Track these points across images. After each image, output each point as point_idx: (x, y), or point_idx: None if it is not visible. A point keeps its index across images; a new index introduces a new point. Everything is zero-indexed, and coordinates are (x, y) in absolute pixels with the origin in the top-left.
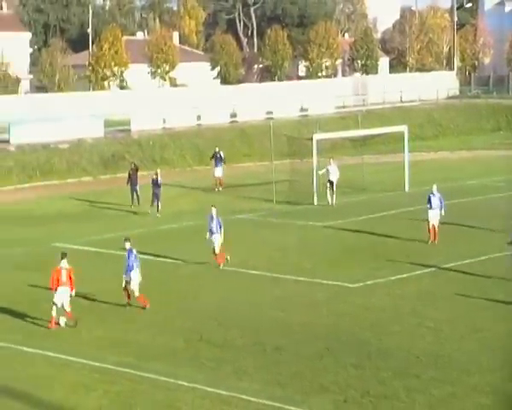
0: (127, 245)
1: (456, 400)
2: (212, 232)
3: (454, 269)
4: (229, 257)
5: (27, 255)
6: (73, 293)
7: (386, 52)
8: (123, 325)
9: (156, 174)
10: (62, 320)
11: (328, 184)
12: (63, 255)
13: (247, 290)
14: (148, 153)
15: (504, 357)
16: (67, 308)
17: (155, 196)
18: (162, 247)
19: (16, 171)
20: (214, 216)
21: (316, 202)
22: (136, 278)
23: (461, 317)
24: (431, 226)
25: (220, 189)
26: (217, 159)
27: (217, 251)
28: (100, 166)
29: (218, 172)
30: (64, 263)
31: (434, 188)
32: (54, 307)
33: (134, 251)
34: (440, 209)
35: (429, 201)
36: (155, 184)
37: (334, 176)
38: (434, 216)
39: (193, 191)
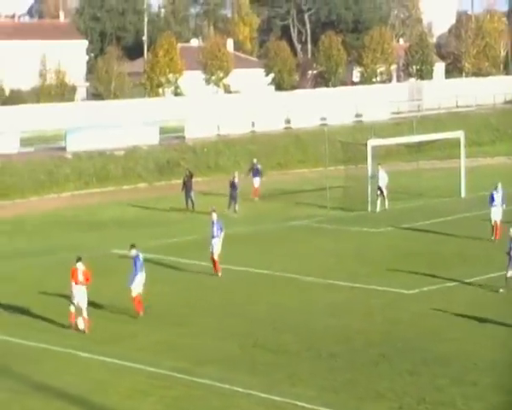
0: (133, 252)
1: None
2: (212, 236)
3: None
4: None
5: (85, 261)
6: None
7: (442, 57)
8: (178, 330)
9: (233, 176)
10: (80, 322)
11: (379, 192)
12: (78, 259)
13: (301, 297)
14: (202, 159)
15: None
16: (85, 313)
17: (232, 198)
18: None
19: (73, 178)
20: (215, 221)
21: (370, 209)
22: (141, 281)
23: None
24: (493, 223)
25: (256, 199)
26: (254, 171)
27: (215, 257)
28: (155, 173)
29: (256, 182)
30: (80, 265)
31: (499, 185)
32: (71, 305)
33: (140, 257)
34: (502, 205)
35: (492, 198)
36: (232, 186)
37: (383, 182)
38: (497, 213)
39: (247, 198)
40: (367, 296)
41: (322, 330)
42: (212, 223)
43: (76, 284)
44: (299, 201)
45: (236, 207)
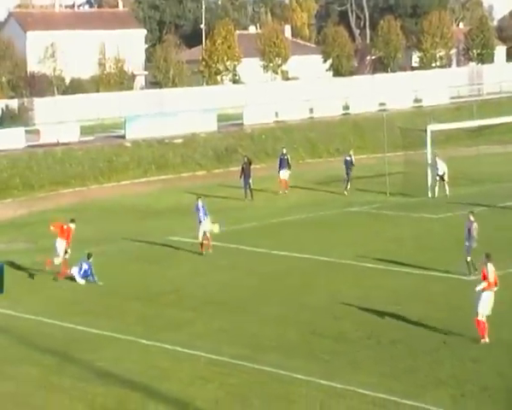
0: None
1: None
2: (199, 221)
3: None
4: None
5: (145, 248)
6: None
7: (503, 40)
8: (237, 317)
9: (350, 155)
10: (56, 259)
11: (438, 178)
12: (72, 220)
13: (361, 283)
14: (260, 146)
15: None
16: (57, 259)
17: (348, 176)
18: (275, 240)
19: (132, 166)
20: (200, 206)
21: (430, 194)
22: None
23: None
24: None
25: (286, 191)
26: (282, 161)
27: (200, 239)
28: (213, 160)
29: (284, 174)
30: (72, 225)
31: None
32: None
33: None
34: None
35: None
36: (349, 163)
37: (442, 170)
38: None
39: (305, 184)
40: (428, 283)
41: (383, 316)
42: (198, 209)
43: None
44: (359, 187)
45: (349, 186)
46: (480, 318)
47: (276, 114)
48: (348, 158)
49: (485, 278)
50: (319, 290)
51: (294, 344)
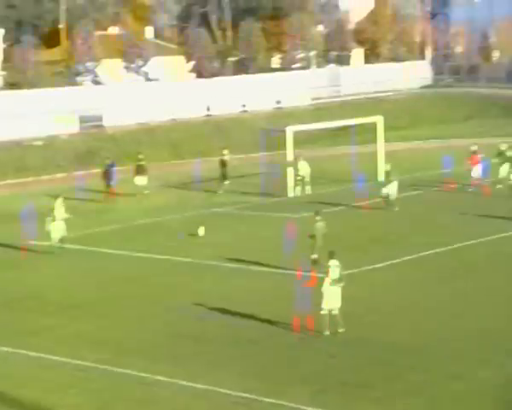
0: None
1: (432, 386)
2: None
3: (429, 257)
4: None
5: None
6: None
7: (360, 43)
8: (100, 322)
9: (224, 155)
10: None
11: (299, 177)
12: None
13: (223, 284)
14: (122, 148)
15: (478, 342)
16: None
17: (223, 175)
18: (138, 242)
19: None
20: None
21: (290, 194)
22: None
23: (435, 304)
24: None
25: (146, 192)
26: (138, 167)
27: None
28: (74, 162)
29: (140, 180)
30: None
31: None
32: None
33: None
34: None
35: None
36: (224, 162)
37: (304, 171)
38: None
39: (169, 186)
40: (289, 282)
41: (245, 316)
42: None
43: None
44: (223, 187)
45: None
46: (322, 312)
47: (139, 116)
48: (224, 158)
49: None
50: (182, 292)
51: (157, 347)
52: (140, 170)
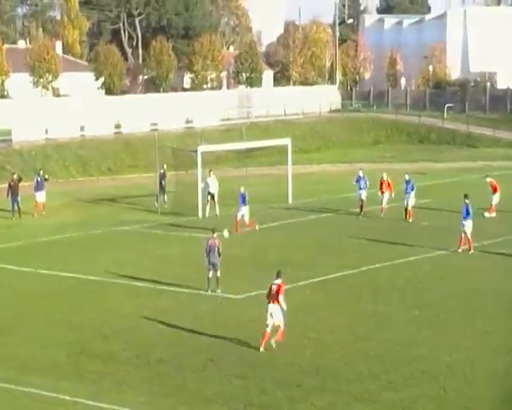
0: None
1: (337, 408)
2: None
3: (335, 280)
4: None
5: None
6: None
7: (271, 65)
8: (2, 339)
9: (163, 169)
10: None
11: (209, 197)
12: None
13: (131, 303)
14: (30, 164)
15: (382, 365)
16: None
17: (161, 189)
18: (44, 259)
19: None
20: None
21: (200, 214)
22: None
23: (342, 326)
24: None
25: (43, 213)
26: (38, 183)
27: None
28: None
29: (40, 197)
30: None
31: (361, 172)
32: None
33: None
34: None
35: (357, 181)
36: (162, 176)
37: (214, 188)
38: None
39: (76, 203)
40: (196, 301)
41: (152, 336)
42: None
43: None
44: (130, 206)
45: (166, 198)
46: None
47: (47, 131)
48: (161, 171)
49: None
50: (87, 310)
51: (61, 365)
52: (40, 185)
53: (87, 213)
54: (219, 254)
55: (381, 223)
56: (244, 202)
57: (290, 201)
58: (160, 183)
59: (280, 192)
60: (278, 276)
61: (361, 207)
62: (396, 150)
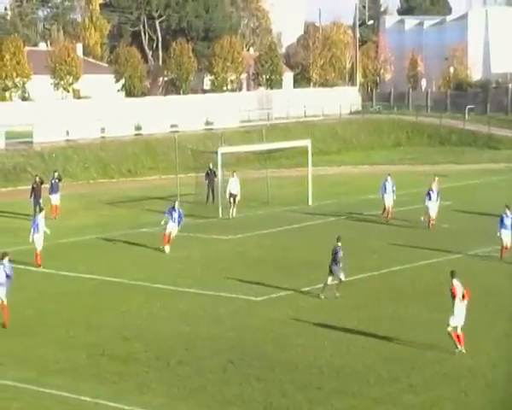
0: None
1: None
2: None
3: (356, 282)
4: None
5: None
6: None
7: (291, 67)
8: (23, 340)
9: (210, 168)
10: None
11: (231, 199)
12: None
13: (151, 304)
14: (50, 165)
15: (403, 367)
16: None
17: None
18: (64, 261)
19: None
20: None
21: (220, 216)
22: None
23: (363, 328)
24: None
25: (56, 217)
26: (53, 185)
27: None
28: (0, 179)
29: (55, 199)
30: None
31: (388, 178)
32: None
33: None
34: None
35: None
36: (212, 175)
37: (236, 189)
38: (389, 199)
39: (96, 205)
40: (216, 303)
41: (171, 337)
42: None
43: None
44: (150, 208)
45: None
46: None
47: (68, 133)
48: (210, 171)
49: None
50: (108, 311)
51: (82, 366)
52: (55, 188)
53: (107, 214)
54: (338, 262)
55: (402, 226)
56: (176, 217)
57: (310, 203)
58: (210, 182)
59: (300, 194)
60: (453, 276)
61: (385, 212)
62: (417, 152)
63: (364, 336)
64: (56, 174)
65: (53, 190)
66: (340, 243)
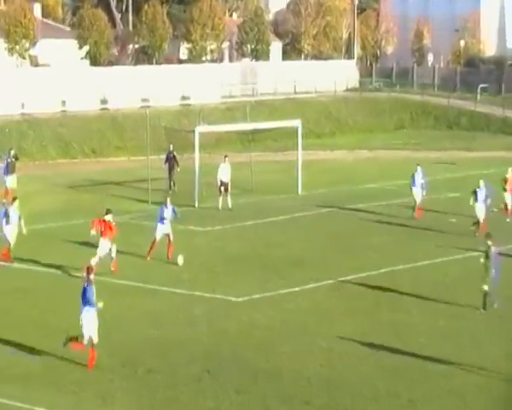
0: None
1: None
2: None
3: (351, 282)
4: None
5: None
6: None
7: (279, 36)
8: None
9: (171, 151)
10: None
11: (222, 188)
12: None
13: (117, 304)
14: (3, 142)
15: (403, 381)
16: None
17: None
18: (18, 252)
19: None
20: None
21: (197, 205)
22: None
23: (358, 335)
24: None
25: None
26: (8, 165)
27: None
28: None
29: (11, 181)
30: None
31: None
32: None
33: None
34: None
35: (413, 179)
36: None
37: (227, 176)
38: (418, 194)
39: (56, 188)
40: (190, 304)
41: (140, 342)
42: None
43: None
44: (117, 193)
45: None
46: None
47: (23, 106)
48: (170, 154)
49: None
50: (68, 311)
51: (37, 373)
52: (11, 168)
53: (67, 200)
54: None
55: (404, 220)
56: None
57: (300, 191)
58: (170, 167)
59: (288, 182)
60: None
61: (414, 209)
62: (422, 136)
63: (360, 344)
64: (13, 152)
65: (8, 170)
66: None
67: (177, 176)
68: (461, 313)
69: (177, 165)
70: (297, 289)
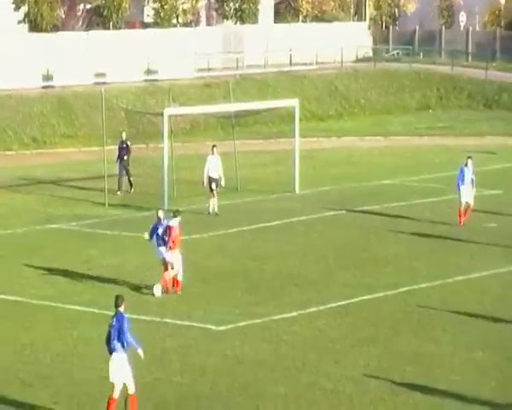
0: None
1: None
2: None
3: (362, 305)
4: None
5: None
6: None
7: None
8: None
9: (123, 140)
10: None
11: (213, 185)
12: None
13: (64, 334)
14: None
15: None
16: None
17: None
18: None
19: None
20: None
21: (166, 208)
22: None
23: (372, 373)
24: (464, 205)
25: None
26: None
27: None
28: None
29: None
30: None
31: (469, 162)
32: None
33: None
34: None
35: (461, 173)
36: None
37: (217, 172)
38: (467, 193)
39: None
40: (160, 333)
41: (93, 383)
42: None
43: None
44: (65, 194)
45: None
46: None
47: None
48: (123, 145)
49: None
50: (2, 344)
51: None
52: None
53: (2, 203)
54: None
55: (429, 225)
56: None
57: (297, 189)
58: (121, 160)
59: (283, 177)
60: None
61: (461, 215)
62: (452, 119)
63: (375, 383)
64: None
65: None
66: None
67: (133, 171)
68: (503, 342)
69: (128, 155)
70: (294, 314)
